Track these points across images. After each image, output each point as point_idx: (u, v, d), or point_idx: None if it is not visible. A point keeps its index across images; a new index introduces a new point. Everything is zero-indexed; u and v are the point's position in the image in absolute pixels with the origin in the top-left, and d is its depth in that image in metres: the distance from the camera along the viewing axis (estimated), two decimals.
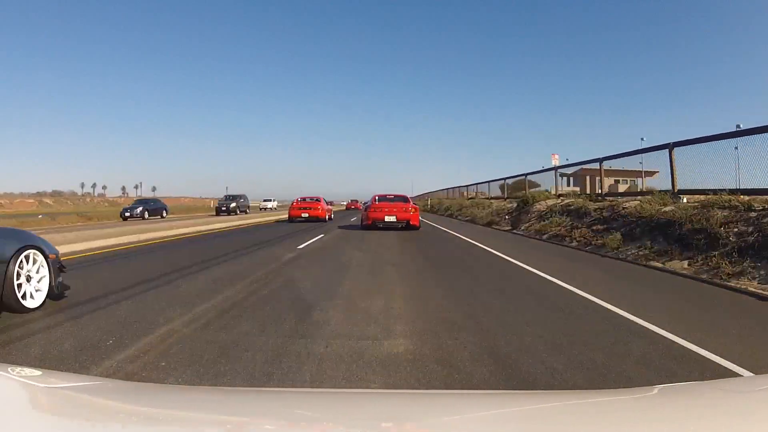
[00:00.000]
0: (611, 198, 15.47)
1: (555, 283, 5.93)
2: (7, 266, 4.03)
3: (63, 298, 4.78)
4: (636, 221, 11.43)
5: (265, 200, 57.30)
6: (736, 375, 2.80)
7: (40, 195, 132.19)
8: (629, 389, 1.70)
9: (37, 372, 1.27)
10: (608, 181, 22.68)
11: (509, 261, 8.20)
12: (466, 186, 39.36)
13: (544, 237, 14.05)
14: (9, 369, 1.26)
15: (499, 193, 29.35)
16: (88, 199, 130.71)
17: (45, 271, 4.46)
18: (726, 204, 9.00)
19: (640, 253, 9.68)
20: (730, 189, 9.58)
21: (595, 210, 13.89)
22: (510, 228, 17.57)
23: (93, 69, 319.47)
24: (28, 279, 4.30)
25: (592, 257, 9.62)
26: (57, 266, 4.65)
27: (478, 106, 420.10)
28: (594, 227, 12.80)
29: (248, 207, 37.03)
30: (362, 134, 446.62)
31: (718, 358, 3.06)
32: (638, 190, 16.58)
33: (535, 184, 27.21)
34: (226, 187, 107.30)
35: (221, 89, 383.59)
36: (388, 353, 3.07)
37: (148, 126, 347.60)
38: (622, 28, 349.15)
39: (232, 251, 9.32)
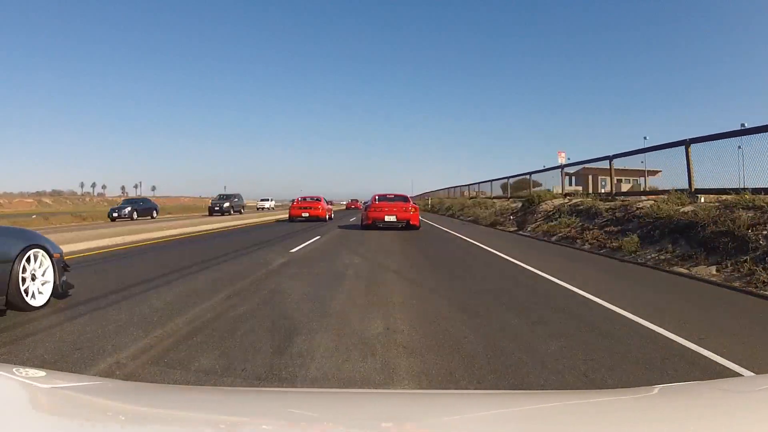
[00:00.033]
0: (622, 197, 14.72)
1: (583, 296, 5.16)
2: (13, 265, 4.06)
3: (67, 296, 4.81)
4: (653, 222, 10.74)
5: (262, 200, 55.70)
6: None
7: (39, 195, 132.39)
8: (629, 389, 1.65)
9: (37, 372, 1.26)
10: (612, 181, 22.09)
11: (524, 267, 7.41)
12: (468, 185, 38.71)
13: (554, 239, 13.31)
14: (9, 369, 1.28)
15: (500, 192, 28.81)
16: (87, 199, 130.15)
17: (49, 270, 4.52)
18: (749, 204, 8.41)
19: (662, 257, 8.99)
20: (753, 188, 9.03)
21: (606, 210, 13.17)
22: (516, 229, 16.81)
23: (93, 69, 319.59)
24: (33, 278, 4.34)
25: (610, 262, 8.87)
26: (61, 265, 4.72)
27: (478, 106, 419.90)
28: (607, 228, 12.09)
29: (243, 207, 35.57)
30: (362, 134, 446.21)
31: None
32: (641, 189, 16.02)
33: (536, 184, 26.63)
34: (224, 187, 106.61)
35: (221, 89, 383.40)
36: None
37: (148, 126, 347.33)
38: (622, 28, 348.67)
39: (217, 256, 8.54)
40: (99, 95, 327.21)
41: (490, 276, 6.68)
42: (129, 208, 27.77)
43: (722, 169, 11.06)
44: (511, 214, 19.43)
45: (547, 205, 17.21)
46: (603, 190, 19.28)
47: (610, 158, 15.73)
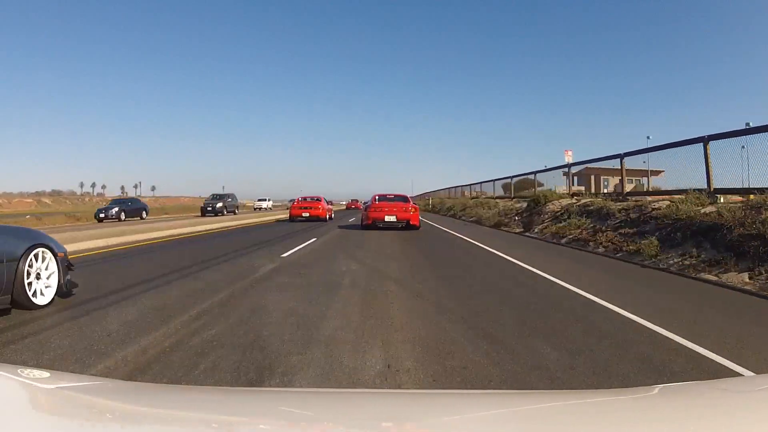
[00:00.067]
0: (635, 197, 13.97)
1: (618, 314, 4.40)
2: (18, 264, 4.10)
3: (71, 295, 4.81)
4: (672, 224, 10.02)
5: (259, 200, 54.42)
6: None
7: (38, 195, 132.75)
8: (629, 389, 1.64)
9: (37, 372, 1.25)
10: (613, 181, 21.56)
11: (540, 275, 6.63)
12: (469, 185, 38.06)
13: (563, 241, 12.56)
14: (9, 369, 1.29)
15: (501, 192, 28.17)
16: (87, 199, 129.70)
17: (54, 269, 4.54)
18: None
19: (686, 262, 8.28)
20: None
21: (619, 211, 12.42)
22: (522, 230, 16.04)
23: (93, 69, 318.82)
24: (38, 276, 4.38)
25: (631, 268, 8.12)
26: (65, 264, 4.75)
27: (478, 106, 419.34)
28: (621, 230, 11.36)
29: (237, 207, 34.37)
30: (362, 134, 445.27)
31: None
32: (644, 189, 15.47)
33: (538, 184, 25.98)
34: (222, 187, 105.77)
35: (221, 89, 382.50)
36: None
37: (148, 126, 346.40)
38: (622, 28, 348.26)
39: (202, 261, 7.78)
40: (99, 95, 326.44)
41: (505, 286, 5.89)
42: (116, 209, 26.69)
43: (733, 170, 10.32)
44: (516, 215, 18.67)
45: (554, 206, 16.48)
46: (605, 190, 18.80)
47: (621, 156, 15.01)
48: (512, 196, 25.39)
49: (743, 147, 9.89)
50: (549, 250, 10.81)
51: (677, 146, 12.40)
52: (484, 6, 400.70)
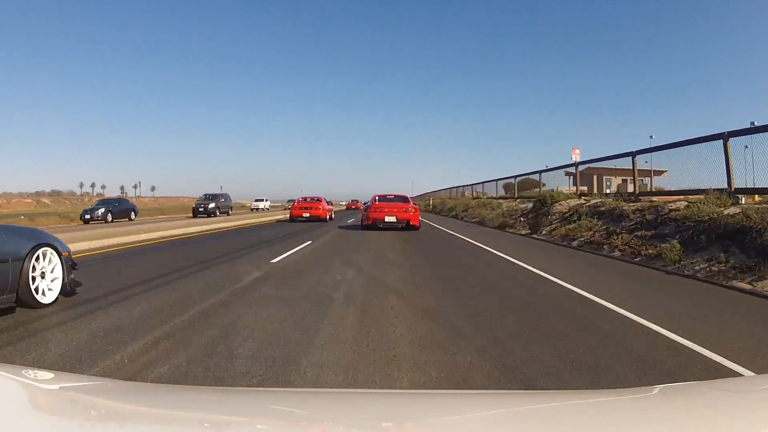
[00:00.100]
0: (648, 198, 13.25)
1: (655, 332, 3.67)
2: (23, 263, 4.15)
3: (75, 294, 4.85)
4: (694, 226, 9.32)
5: (256, 200, 52.85)
6: None
7: (38, 195, 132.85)
8: (629, 389, 1.61)
9: (37, 372, 1.24)
10: (616, 181, 21.06)
11: (559, 284, 5.88)
12: (471, 185, 37.37)
13: (574, 244, 11.84)
14: (9, 369, 1.30)
15: (503, 192, 27.56)
16: (86, 199, 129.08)
17: (58, 268, 4.59)
18: None
19: (713, 268, 7.59)
20: None
21: (633, 212, 11.71)
22: (529, 232, 15.30)
23: (93, 69, 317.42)
24: (43, 276, 4.44)
25: (654, 275, 7.41)
26: (69, 264, 4.79)
27: (478, 106, 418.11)
28: (637, 233, 10.65)
29: (231, 208, 32.97)
30: (362, 134, 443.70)
31: None
32: (647, 189, 14.80)
33: (538, 183, 25.34)
34: (221, 187, 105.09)
35: (221, 89, 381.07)
36: None
37: (148, 126, 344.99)
38: (622, 28, 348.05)
39: (181, 268, 7.00)
40: (99, 95, 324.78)
41: (521, 297, 5.12)
42: (102, 210, 25.47)
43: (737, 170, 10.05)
44: (521, 216, 17.95)
45: (561, 206, 15.77)
46: (608, 190, 18.23)
47: (633, 154, 14.30)
48: (515, 196, 24.70)
49: (746, 147, 9.86)
50: (560, 254, 10.08)
51: (693, 143, 11.77)
52: (484, 6, 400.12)
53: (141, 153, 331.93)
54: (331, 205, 30.55)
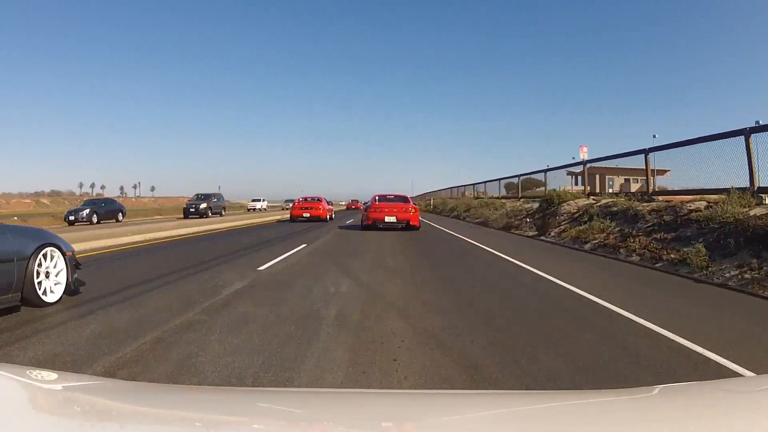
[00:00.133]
0: (665, 198, 12.52)
1: (713, 361, 2.95)
2: (28, 263, 4.19)
3: (78, 293, 4.87)
4: (718, 229, 8.62)
5: (253, 200, 51.28)
6: None
7: (37, 195, 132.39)
8: (629, 389, 1.53)
9: (37, 372, 1.23)
10: (618, 180, 20.48)
11: (581, 295, 5.13)
12: (472, 185, 36.62)
13: (587, 247, 11.11)
14: (9, 369, 1.32)
15: (504, 192, 26.89)
16: (86, 199, 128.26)
17: (62, 267, 4.64)
18: None
19: (746, 275, 6.90)
20: None
21: (649, 212, 10.99)
22: (536, 233, 14.55)
23: (93, 69, 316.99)
24: (47, 275, 4.47)
25: (682, 283, 6.74)
26: (73, 263, 4.83)
27: (478, 106, 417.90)
28: (656, 235, 9.93)
29: (224, 208, 31.67)
30: (362, 134, 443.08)
31: None
32: (651, 190, 14.34)
33: (540, 183, 24.73)
34: (219, 187, 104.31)
35: (221, 89, 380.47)
36: None
37: (148, 126, 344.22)
38: (622, 28, 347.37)
39: (157, 276, 6.22)
40: (99, 95, 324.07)
41: (558, 326, 4.37)
42: (87, 211, 24.10)
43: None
44: (526, 216, 17.21)
45: (569, 206, 15.04)
46: (611, 190, 17.61)
47: (646, 152, 13.60)
48: (519, 196, 23.97)
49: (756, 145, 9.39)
50: (575, 259, 9.33)
51: (713, 140, 11.04)
52: (484, 6, 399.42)
53: (141, 153, 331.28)
54: (331, 205, 30.12)
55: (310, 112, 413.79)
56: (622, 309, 4.49)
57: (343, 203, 75.59)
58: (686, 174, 12.38)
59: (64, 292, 4.63)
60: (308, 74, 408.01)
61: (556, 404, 1.11)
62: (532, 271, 7.08)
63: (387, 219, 15.46)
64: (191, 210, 28.02)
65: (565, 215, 14.59)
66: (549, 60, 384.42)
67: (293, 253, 9.18)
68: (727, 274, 7.02)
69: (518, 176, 25.16)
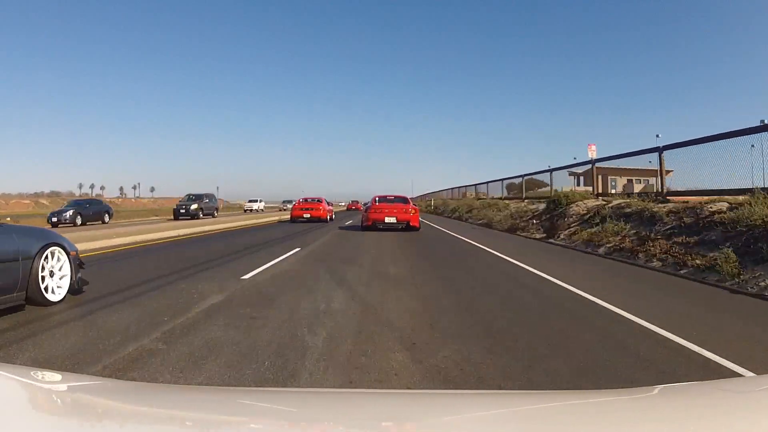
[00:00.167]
0: (680, 199, 11.80)
1: None
2: (33, 262, 4.23)
3: (82, 292, 4.93)
4: (746, 232, 7.95)
5: (250, 201, 49.93)
6: None
7: (37, 195, 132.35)
8: (629, 389, 1.50)
9: (37, 372, 1.21)
10: (621, 181, 20.09)
11: (628, 319, 4.40)
12: (474, 185, 35.90)
13: (601, 250, 10.40)
14: (9, 368, 1.34)
15: (506, 193, 26.24)
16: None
17: (66, 267, 4.69)
18: None
19: None
20: None
21: (667, 214, 10.28)
22: (544, 236, 13.82)
23: (92, 69, 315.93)
24: (51, 274, 4.51)
25: (714, 292, 6.09)
26: (77, 263, 4.89)
27: (478, 106, 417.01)
28: (677, 239, 9.21)
29: (216, 209, 30.51)
30: (362, 134, 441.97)
31: None
32: (654, 190, 13.60)
33: (542, 184, 24.16)
34: (217, 188, 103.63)
35: (221, 89, 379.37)
36: None
37: (148, 126, 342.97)
38: (622, 28, 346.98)
39: (129, 286, 5.49)
40: (98, 95, 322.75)
41: (593, 345, 3.63)
42: (71, 212, 22.74)
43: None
44: (533, 218, 16.49)
45: (578, 207, 14.33)
46: (613, 191, 17.01)
47: (660, 150, 12.89)
48: (523, 197, 23.25)
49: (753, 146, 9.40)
50: (594, 265, 8.60)
51: (731, 137, 10.40)
52: (484, 6, 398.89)
53: (140, 153, 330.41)
54: (332, 206, 29.71)
55: (310, 112, 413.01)
56: (668, 331, 3.75)
57: (343, 204, 75.18)
58: (692, 174, 11.90)
59: (68, 291, 4.71)
60: (308, 74, 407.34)
61: (556, 404, 1.10)
62: (559, 284, 6.26)
63: (387, 220, 15.43)
64: (181, 211, 26.85)
65: (574, 216, 13.89)
66: (549, 60, 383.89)
67: (284, 258, 8.42)
68: (762, 283, 6.32)
69: (522, 176, 24.45)
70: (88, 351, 3.21)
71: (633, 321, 4.14)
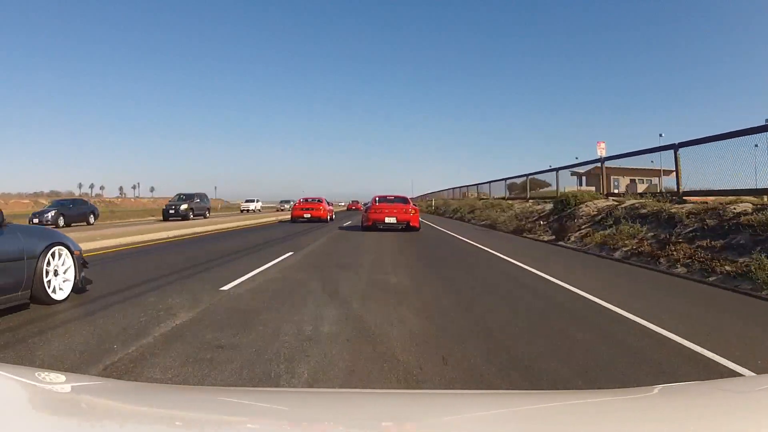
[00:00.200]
0: (699, 199, 11.09)
1: None
2: (37, 261, 4.29)
3: (85, 292, 4.98)
4: None
5: (247, 201, 48.79)
6: None
7: (36, 195, 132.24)
8: (629, 389, 1.57)
9: (37, 372, 1.21)
10: (624, 181, 19.82)
11: (674, 342, 3.68)
12: (476, 185, 35.19)
13: (617, 254, 9.68)
14: (9, 369, 1.31)
15: (507, 192, 25.54)
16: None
17: (71, 266, 4.75)
18: None
19: None
20: None
21: (687, 216, 9.57)
22: (553, 238, 13.10)
23: (92, 69, 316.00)
24: (56, 273, 4.57)
25: (754, 303, 5.30)
26: (81, 262, 4.96)
27: (478, 106, 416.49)
28: (700, 243, 8.52)
29: (208, 209, 29.30)
30: (362, 134, 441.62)
31: None
32: (657, 190, 13.59)
33: (544, 184, 23.59)
34: (215, 188, 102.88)
35: (221, 89, 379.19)
36: None
37: (148, 126, 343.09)
38: (622, 28, 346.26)
39: (91, 299, 4.79)
40: (98, 95, 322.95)
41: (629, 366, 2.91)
42: (53, 213, 21.33)
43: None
44: (539, 219, 15.77)
45: (588, 208, 13.62)
46: (616, 191, 16.43)
47: (676, 147, 12.21)
48: (527, 197, 22.53)
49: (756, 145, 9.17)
50: (613, 272, 7.88)
51: (750, 134, 9.78)
52: (484, 6, 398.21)
53: (140, 153, 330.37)
54: (332, 206, 29.23)
55: (310, 112, 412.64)
56: (721, 357, 3.03)
57: (343, 204, 74.69)
58: (702, 173, 11.33)
59: (72, 290, 4.78)
60: (308, 74, 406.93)
61: (556, 404, 1.10)
62: (583, 296, 5.55)
63: (387, 220, 15.36)
64: (171, 212, 25.70)
65: (584, 218, 13.18)
66: (549, 60, 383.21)
67: (274, 264, 7.67)
68: None
69: (526, 176, 23.74)
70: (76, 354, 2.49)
71: (698, 353, 3.36)
